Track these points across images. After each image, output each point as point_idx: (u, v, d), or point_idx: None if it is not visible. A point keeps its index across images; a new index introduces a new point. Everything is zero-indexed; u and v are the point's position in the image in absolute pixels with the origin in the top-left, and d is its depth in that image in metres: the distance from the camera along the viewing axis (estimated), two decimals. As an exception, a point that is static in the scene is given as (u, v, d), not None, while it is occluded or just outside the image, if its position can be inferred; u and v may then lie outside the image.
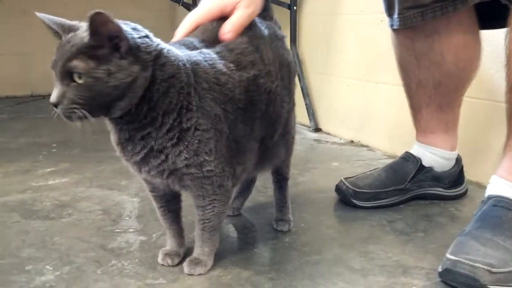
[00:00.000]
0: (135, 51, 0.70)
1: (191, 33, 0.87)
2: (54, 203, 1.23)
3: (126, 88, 0.69)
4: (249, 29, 0.90)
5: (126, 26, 0.73)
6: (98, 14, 0.66)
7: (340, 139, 1.99)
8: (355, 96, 1.93)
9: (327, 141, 1.96)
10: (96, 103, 0.69)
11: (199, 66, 0.78)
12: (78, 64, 0.68)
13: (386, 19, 1.24)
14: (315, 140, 1.96)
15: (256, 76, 0.85)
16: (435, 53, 1.15)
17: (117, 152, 0.82)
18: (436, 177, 1.25)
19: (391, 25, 1.20)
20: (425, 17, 1.09)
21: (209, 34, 0.87)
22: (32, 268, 0.90)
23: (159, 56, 0.73)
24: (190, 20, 0.88)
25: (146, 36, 0.74)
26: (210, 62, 0.80)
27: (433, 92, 1.20)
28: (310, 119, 2.11)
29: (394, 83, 1.71)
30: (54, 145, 1.80)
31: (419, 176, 1.24)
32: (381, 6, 1.71)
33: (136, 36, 0.72)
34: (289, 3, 2.16)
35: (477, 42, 1.16)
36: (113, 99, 0.69)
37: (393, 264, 0.91)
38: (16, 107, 2.63)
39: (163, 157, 0.77)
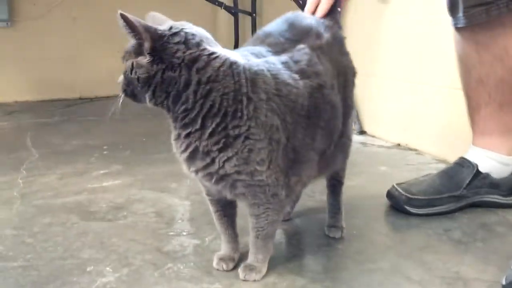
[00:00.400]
0: (159, 52, 0.76)
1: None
2: (109, 205, 1.27)
3: (146, 82, 0.76)
4: (315, 39, 0.91)
5: (163, 28, 0.78)
6: (120, 15, 0.74)
7: (386, 142, 1.95)
8: (401, 97, 1.89)
9: (373, 144, 1.93)
10: (129, 90, 0.80)
11: (259, 76, 0.79)
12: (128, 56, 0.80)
13: (449, 19, 1.21)
14: (361, 143, 1.93)
15: (320, 86, 0.86)
16: (499, 47, 1.12)
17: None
18: (493, 184, 1.21)
19: (455, 24, 1.18)
20: (490, 14, 1.07)
21: (278, 48, 0.88)
22: (93, 269, 0.93)
23: (196, 60, 0.76)
24: None
25: (182, 41, 0.77)
26: (274, 72, 0.81)
27: (493, 90, 1.16)
28: (354, 122, 2.09)
29: (442, 85, 1.67)
30: (105, 147, 1.86)
31: (475, 182, 1.20)
32: (430, 6, 1.69)
33: (167, 39, 0.76)
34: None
35: None
36: (140, 90, 0.78)
37: (453, 275, 0.89)
38: (66, 109, 2.73)
39: (208, 159, 0.78)
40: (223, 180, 0.80)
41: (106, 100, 2.99)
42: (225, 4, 3.06)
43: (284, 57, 0.85)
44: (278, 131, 0.79)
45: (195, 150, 0.79)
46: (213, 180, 0.81)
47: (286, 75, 0.82)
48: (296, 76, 0.83)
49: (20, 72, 2.94)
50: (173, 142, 0.83)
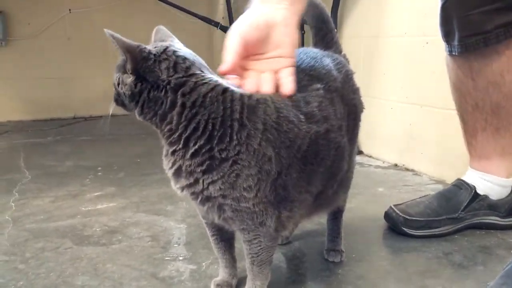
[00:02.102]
0: (142, 73, 0.76)
1: (241, 52, 0.80)
2: (103, 228, 1.25)
3: (132, 98, 0.77)
4: (326, 77, 0.88)
5: (153, 49, 0.78)
6: (107, 33, 0.74)
7: (383, 162, 1.95)
8: (399, 118, 1.89)
9: (370, 165, 1.93)
10: (119, 100, 0.80)
11: (261, 105, 0.77)
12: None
13: (442, 43, 1.21)
14: (358, 163, 1.92)
15: (327, 131, 0.84)
16: (494, 73, 1.12)
17: None
18: (491, 206, 1.20)
19: (450, 51, 1.18)
20: (488, 43, 1.07)
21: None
22: (87, 297, 0.90)
23: (182, 84, 0.75)
24: (236, 37, 0.80)
25: (171, 66, 0.76)
26: (278, 106, 0.79)
27: (490, 115, 1.16)
28: (351, 142, 2.08)
29: (441, 106, 1.68)
30: (99, 168, 1.84)
31: (474, 204, 1.19)
32: (426, 29, 1.70)
33: (152, 62, 0.76)
34: (329, 25, 2.16)
35: None
36: (128, 103, 0.78)
37: (454, 300, 0.88)
38: (60, 129, 2.71)
39: (192, 179, 0.77)
40: (209, 201, 0.79)
41: (100, 120, 2.98)
42: (221, 24, 3.08)
43: (296, 96, 0.82)
44: (271, 162, 0.77)
45: (179, 168, 0.79)
46: (198, 200, 0.80)
47: (291, 112, 0.80)
48: (302, 117, 0.81)
49: (14, 91, 2.92)
50: (163, 158, 0.83)
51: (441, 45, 1.32)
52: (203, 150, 0.76)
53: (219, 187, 0.76)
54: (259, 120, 0.76)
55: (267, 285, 0.88)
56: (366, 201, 1.46)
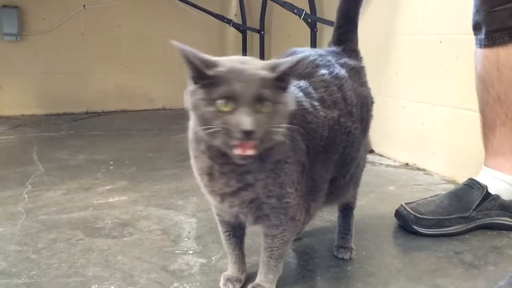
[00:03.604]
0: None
1: None
2: (114, 221, 1.26)
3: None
4: (332, 66, 0.90)
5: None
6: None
7: (394, 161, 1.94)
8: (411, 117, 1.88)
9: (381, 163, 1.92)
10: (273, 129, 0.69)
11: None
12: (267, 93, 0.68)
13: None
14: (369, 162, 1.92)
15: (339, 116, 0.85)
16: None
17: (201, 180, 0.81)
18: (503, 206, 1.19)
19: (478, 44, 1.20)
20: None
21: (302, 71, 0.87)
22: (98, 288, 0.91)
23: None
24: None
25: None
26: (298, 100, 0.80)
27: (510, 109, 1.16)
28: (362, 140, 2.08)
29: (454, 106, 1.66)
30: (111, 162, 1.85)
31: (485, 204, 1.18)
32: (439, 27, 1.69)
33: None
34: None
35: None
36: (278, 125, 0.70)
37: (465, 299, 0.87)
38: (73, 123, 2.74)
39: (251, 189, 0.76)
40: (252, 202, 0.78)
41: (113, 115, 3.01)
42: (233, 21, 3.09)
43: (302, 83, 0.84)
44: (304, 155, 0.79)
45: (245, 184, 0.75)
46: (244, 206, 0.78)
47: (307, 103, 0.81)
48: (317, 104, 0.82)
49: (28, 85, 2.96)
50: (205, 175, 0.78)
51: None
52: (270, 156, 0.74)
53: (270, 188, 0.76)
54: (292, 117, 0.76)
55: (277, 280, 0.89)
56: (377, 200, 1.45)
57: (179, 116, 2.99)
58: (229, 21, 3.07)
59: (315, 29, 2.37)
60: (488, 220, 1.19)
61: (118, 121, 2.83)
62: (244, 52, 3.14)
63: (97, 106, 3.11)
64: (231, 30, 3.19)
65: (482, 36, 1.17)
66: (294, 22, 2.46)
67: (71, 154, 1.99)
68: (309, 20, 2.33)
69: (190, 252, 1.08)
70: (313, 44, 2.38)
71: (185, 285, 0.93)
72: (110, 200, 1.43)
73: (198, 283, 0.94)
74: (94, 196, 1.46)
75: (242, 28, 3.14)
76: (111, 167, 1.79)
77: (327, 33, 2.34)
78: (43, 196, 1.45)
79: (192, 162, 0.81)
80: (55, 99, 3.01)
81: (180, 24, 3.15)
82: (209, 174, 0.77)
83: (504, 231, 1.18)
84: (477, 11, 1.19)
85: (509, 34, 1.12)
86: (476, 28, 1.20)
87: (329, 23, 2.19)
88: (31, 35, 2.92)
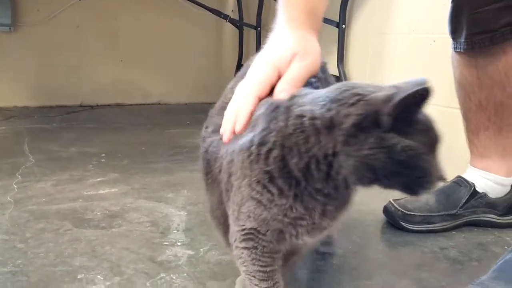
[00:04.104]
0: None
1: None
2: (104, 212, 1.26)
3: None
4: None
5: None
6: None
7: (385, 159, 1.95)
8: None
9: (372, 161, 1.93)
10: None
11: None
12: None
13: (449, 41, 1.21)
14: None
15: None
16: (499, 72, 1.12)
17: (303, 219, 0.66)
18: (490, 204, 1.20)
19: (456, 48, 1.18)
20: (494, 41, 1.08)
21: None
22: (84, 277, 0.92)
23: None
24: (250, 96, 0.65)
25: None
26: None
27: (493, 114, 1.16)
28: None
29: (445, 105, 1.67)
30: (103, 155, 1.85)
31: (472, 202, 1.20)
32: (433, 26, 1.70)
33: None
34: (338, 21, 2.16)
35: None
36: None
37: (447, 294, 0.88)
38: (66, 116, 2.73)
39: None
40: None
41: (107, 109, 3.00)
42: (230, 17, 3.09)
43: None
44: None
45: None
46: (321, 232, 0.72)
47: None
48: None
49: (21, 77, 2.94)
50: (312, 211, 0.66)
51: (448, 43, 1.32)
52: None
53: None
54: None
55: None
56: (366, 196, 1.45)
57: (175, 111, 3.02)
58: (225, 17, 3.07)
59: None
60: (474, 218, 1.20)
61: (112, 115, 2.82)
62: (241, 48, 3.14)
63: (92, 100, 3.10)
64: (228, 25, 3.19)
65: (462, 39, 1.15)
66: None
67: (63, 146, 1.99)
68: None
69: (179, 244, 1.09)
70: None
71: (172, 275, 0.94)
72: (101, 192, 1.43)
73: (185, 274, 0.94)
74: (85, 187, 1.46)
75: (238, 24, 3.14)
76: (103, 160, 1.79)
77: (324, 31, 2.34)
78: (32, 187, 1.45)
79: (283, 202, 0.65)
80: (48, 91, 3.00)
81: (177, 18, 3.15)
82: (323, 211, 0.66)
83: (489, 229, 1.19)
84: (456, 16, 1.16)
85: (491, 38, 1.09)
86: (456, 32, 1.17)
87: (326, 21, 2.20)
88: (25, 26, 2.90)
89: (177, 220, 1.22)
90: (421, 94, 0.58)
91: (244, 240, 0.70)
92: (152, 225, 1.19)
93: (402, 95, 0.57)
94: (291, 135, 0.62)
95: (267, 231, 0.68)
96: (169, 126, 2.44)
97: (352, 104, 0.59)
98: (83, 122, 2.58)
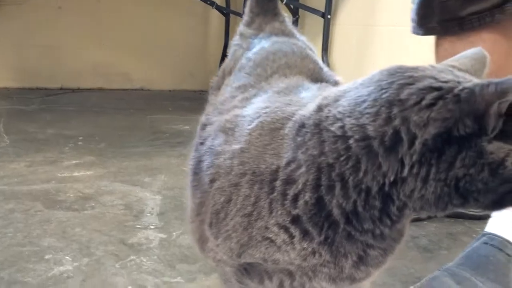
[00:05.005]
0: None
1: None
2: (77, 195, 1.24)
3: None
4: None
5: None
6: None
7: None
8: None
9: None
10: None
11: None
12: None
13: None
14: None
15: None
16: None
17: (326, 267, 0.50)
18: (462, 195, 1.22)
19: (426, 33, 1.19)
20: (464, 27, 1.09)
21: None
22: (51, 258, 0.91)
23: None
24: None
25: None
26: None
27: None
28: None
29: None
30: (81, 138, 1.83)
31: (445, 193, 1.21)
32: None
33: None
34: (324, 11, 2.15)
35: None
36: None
37: (415, 280, 0.89)
38: (45, 98, 2.68)
39: None
40: None
41: (89, 92, 2.96)
42: (217, 3, 3.05)
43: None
44: None
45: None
46: None
47: None
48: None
49: (1, 57, 2.88)
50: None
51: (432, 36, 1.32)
52: None
53: None
54: None
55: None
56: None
57: (158, 97, 2.99)
58: (212, 3, 3.04)
59: (297, 16, 2.37)
60: (447, 208, 1.21)
61: (93, 99, 2.78)
62: (227, 36, 3.11)
63: (73, 83, 3.05)
64: (215, 12, 3.16)
65: (434, 24, 1.16)
66: (275, 7, 2.44)
67: (40, 128, 1.96)
68: (292, 6, 2.32)
69: (152, 227, 1.08)
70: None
71: (142, 258, 0.93)
72: (75, 174, 1.41)
73: (155, 257, 0.94)
74: (59, 169, 1.44)
75: (225, 11, 3.11)
76: (80, 143, 1.77)
77: (309, 21, 2.33)
78: (5, 167, 1.43)
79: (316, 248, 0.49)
80: (29, 73, 2.94)
81: (163, 3, 3.10)
82: (360, 258, 0.49)
83: (460, 219, 1.20)
84: (425, 4, 1.17)
85: (460, 24, 1.11)
86: (426, 17, 1.18)
87: (312, 10, 2.19)
88: (6, 5, 2.83)
89: (151, 204, 1.22)
90: None
91: (237, 271, 0.56)
92: (126, 208, 1.17)
93: None
94: (332, 168, 0.44)
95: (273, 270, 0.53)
96: (151, 111, 2.42)
97: (430, 105, 0.41)
98: (63, 105, 2.54)
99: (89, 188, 1.29)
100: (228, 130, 0.56)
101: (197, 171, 0.59)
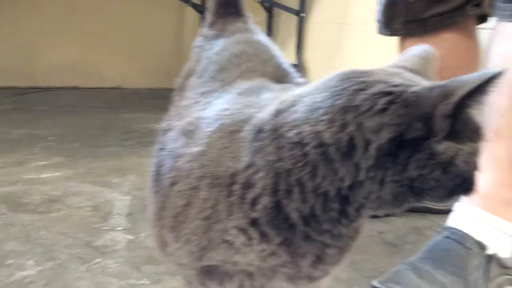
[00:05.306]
0: None
1: None
2: (43, 197, 1.23)
3: None
4: None
5: None
6: None
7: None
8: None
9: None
10: None
11: None
12: None
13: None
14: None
15: None
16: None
17: (285, 267, 0.52)
18: (427, 190, 1.24)
19: (392, 34, 1.21)
20: (426, 29, 1.11)
21: None
22: (14, 262, 0.89)
23: None
24: None
25: None
26: None
27: None
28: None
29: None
30: (52, 138, 1.80)
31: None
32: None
33: None
34: (298, 9, 2.16)
35: (478, 51, 1.17)
36: None
37: (380, 275, 0.89)
38: (18, 97, 2.64)
39: None
40: None
41: (63, 91, 2.91)
42: (192, 1, 3.03)
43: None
44: None
45: None
46: None
47: None
48: None
49: (-30, 56, 2.82)
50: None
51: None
52: None
53: None
54: None
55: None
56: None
57: (134, 96, 2.96)
58: (187, 0, 3.02)
59: (271, 14, 2.37)
60: (412, 204, 1.24)
61: (67, 97, 2.74)
62: (202, 33, 3.10)
63: (46, 81, 3.00)
64: (190, 10, 3.13)
65: (398, 26, 1.18)
66: (252, 5, 2.44)
67: (10, 128, 1.92)
68: (266, 4, 2.32)
69: (119, 228, 1.07)
70: (269, 29, 2.38)
71: (107, 260, 0.92)
72: (43, 175, 1.39)
73: (121, 259, 0.93)
74: (26, 171, 1.42)
75: (200, 9, 3.09)
76: (50, 143, 1.75)
77: (283, 19, 2.34)
78: (-29, 169, 1.40)
79: None
80: (1, 71, 2.88)
81: (138, 2, 3.07)
82: (318, 257, 0.51)
83: (426, 214, 1.23)
84: (391, 5, 1.19)
85: (423, 26, 1.13)
86: (392, 18, 1.20)
87: (286, 9, 2.20)
88: (-25, 3, 2.77)
89: (120, 205, 1.21)
90: (490, 83, 0.42)
91: (199, 274, 0.56)
92: (93, 210, 1.16)
93: (467, 87, 0.41)
94: (290, 173, 0.45)
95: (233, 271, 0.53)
96: (126, 110, 2.39)
97: (382, 110, 0.42)
98: (35, 104, 2.50)
99: (56, 190, 1.28)
100: (189, 133, 0.56)
101: (158, 177, 0.59)
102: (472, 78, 0.42)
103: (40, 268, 0.88)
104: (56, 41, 2.98)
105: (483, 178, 0.88)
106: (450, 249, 0.86)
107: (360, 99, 0.43)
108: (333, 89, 0.45)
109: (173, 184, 0.54)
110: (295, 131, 0.45)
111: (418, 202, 0.46)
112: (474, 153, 0.45)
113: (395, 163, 0.42)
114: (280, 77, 0.68)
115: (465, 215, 0.89)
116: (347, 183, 0.44)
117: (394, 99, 0.42)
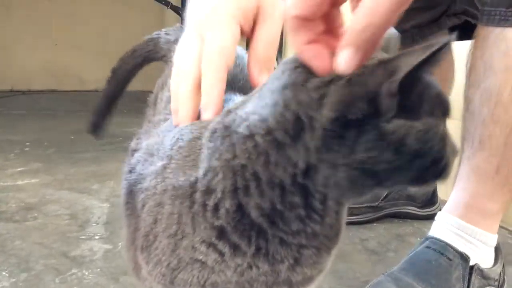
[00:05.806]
0: None
1: None
2: (19, 205, 1.19)
3: None
4: None
5: None
6: None
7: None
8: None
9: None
10: None
11: None
12: None
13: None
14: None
15: None
16: None
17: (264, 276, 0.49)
18: (409, 196, 1.24)
19: None
20: (404, 41, 1.11)
21: None
22: (-13, 274, 0.86)
23: None
24: (219, 63, 0.51)
25: None
26: None
27: None
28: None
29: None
30: (28, 143, 1.76)
31: (393, 194, 1.23)
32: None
33: None
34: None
35: (453, 61, 1.18)
36: None
37: (361, 284, 0.90)
38: (-6, 101, 2.58)
39: None
40: None
41: (40, 94, 2.85)
42: (172, 3, 3.01)
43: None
44: None
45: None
46: None
47: None
48: None
49: None
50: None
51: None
52: None
53: None
54: None
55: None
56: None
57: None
58: (167, 3, 2.99)
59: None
60: (395, 210, 1.24)
61: (44, 101, 2.69)
62: (183, 36, 3.07)
63: (23, 85, 2.94)
64: (170, 13, 3.11)
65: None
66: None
67: (-15, 133, 1.87)
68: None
69: (96, 237, 1.04)
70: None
71: (84, 271, 0.90)
72: (19, 182, 1.36)
73: (98, 269, 0.90)
74: (2, 177, 1.38)
75: (180, 12, 3.07)
76: (27, 148, 1.70)
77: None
78: None
79: None
80: (-25, 74, 2.82)
81: (117, 2, 3.04)
82: (296, 260, 0.48)
83: (409, 220, 1.23)
84: None
85: (402, 38, 1.14)
86: None
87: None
88: None
89: (98, 213, 1.18)
90: (437, 55, 0.38)
91: None
92: (71, 218, 1.13)
93: (412, 63, 0.38)
94: (245, 168, 0.43)
95: None
96: (105, 114, 2.35)
97: (323, 88, 0.39)
98: (11, 108, 2.44)
99: (32, 197, 1.24)
100: (154, 151, 0.53)
101: (129, 200, 0.55)
102: (417, 52, 0.39)
103: (14, 280, 0.85)
104: (33, 44, 2.93)
105: (465, 188, 0.88)
106: (431, 260, 0.85)
107: (296, 76, 0.40)
108: (273, 75, 0.43)
109: (144, 205, 0.51)
110: (245, 124, 0.43)
111: (384, 188, 0.42)
112: (431, 129, 0.40)
113: (343, 144, 0.39)
114: (249, 89, 0.66)
115: (446, 225, 0.89)
116: (300, 167, 0.41)
117: (335, 78, 0.39)
